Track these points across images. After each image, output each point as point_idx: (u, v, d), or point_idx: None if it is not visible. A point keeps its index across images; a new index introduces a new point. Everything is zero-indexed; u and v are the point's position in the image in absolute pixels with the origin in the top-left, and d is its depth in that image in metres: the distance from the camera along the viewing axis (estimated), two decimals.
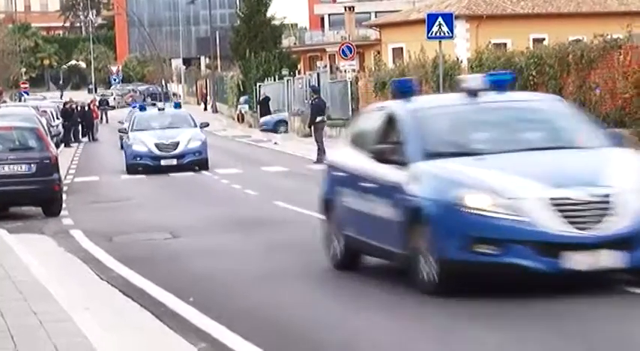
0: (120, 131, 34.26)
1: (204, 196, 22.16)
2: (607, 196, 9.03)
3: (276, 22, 70.14)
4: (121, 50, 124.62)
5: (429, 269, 9.30)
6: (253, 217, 17.22)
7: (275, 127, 49.08)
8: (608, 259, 8.94)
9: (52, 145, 21.50)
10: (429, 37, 26.58)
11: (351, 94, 40.64)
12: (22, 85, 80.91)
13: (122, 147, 35.48)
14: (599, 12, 52.69)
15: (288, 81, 53.74)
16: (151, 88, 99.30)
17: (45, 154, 19.14)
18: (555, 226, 8.88)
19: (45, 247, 14.89)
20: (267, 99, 53.96)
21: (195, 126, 30.27)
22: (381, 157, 10.20)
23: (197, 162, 28.56)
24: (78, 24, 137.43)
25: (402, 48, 54.57)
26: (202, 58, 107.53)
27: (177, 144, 28.43)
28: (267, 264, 12.44)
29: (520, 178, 9.18)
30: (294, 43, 75.83)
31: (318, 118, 30.58)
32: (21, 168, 18.86)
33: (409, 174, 9.75)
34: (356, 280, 10.79)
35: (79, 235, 15.98)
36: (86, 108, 52.63)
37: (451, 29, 26.43)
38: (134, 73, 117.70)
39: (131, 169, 28.72)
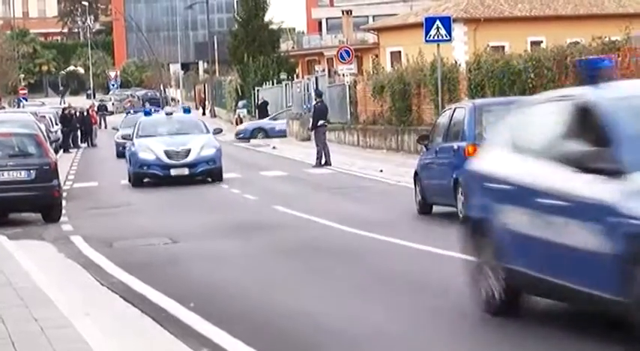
0: (123, 138, 30.25)
1: (203, 201, 22.16)
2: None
3: (274, 27, 70.20)
4: (119, 55, 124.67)
5: None
6: (253, 221, 17.23)
7: (251, 136, 48.81)
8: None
9: (52, 151, 21.51)
10: (427, 41, 26.63)
11: (350, 98, 40.66)
12: (20, 91, 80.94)
13: (120, 155, 34.76)
14: (597, 14, 52.72)
15: (286, 85, 53.76)
16: (149, 94, 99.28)
17: (44, 160, 19.15)
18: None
19: (45, 253, 14.89)
20: (265, 103, 53.99)
21: (208, 132, 27.58)
22: (580, 165, 7.45)
23: (210, 171, 25.98)
24: (76, 30, 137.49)
25: (400, 51, 54.60)
26: (200, 62, 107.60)
27: (188, 151, 25.79)
28: (267, 268, 12.45)
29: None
30: (292, 47, 75.88)
31: (320, 122, 30.62)
32: (20, 174, 18.86)
33: (627, 188, 7.12)
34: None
35: (79, 240, 15.98)
36: (85, 114, 52.66)
37: (449, 32, 26.48)
38: (132, 79, 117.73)
39: (136, 179, 26.06)
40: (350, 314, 9.31)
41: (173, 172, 25.58)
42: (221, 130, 31.33)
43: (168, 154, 25.67)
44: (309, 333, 8.68)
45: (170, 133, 26.83)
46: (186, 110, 31.63)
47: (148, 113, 30.48)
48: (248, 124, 52.32)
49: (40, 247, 15.67)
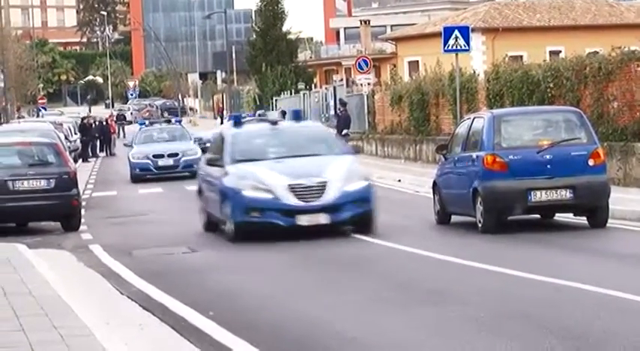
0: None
1: None
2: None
3: (292, 37, 70.36)
4: (137, 65, 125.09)
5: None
6: (271, 231, 17.21)
7: None
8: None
9: (71, 160, 21.59)
10: (445, 50, 26.60)
11: (368, 108, 40.66)
12: (39, 101, 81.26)
13: (137, 179, 32.22)
14: (616, 24, 52.65)
15: (304, 95, 53.83)
16: (167, 103, 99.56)
17: (63, 170, 19.22)
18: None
19: (65, 262, 14.93)
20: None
21: (345, 152, 17.15)
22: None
23: (361, 217, 16.12)
24: (95, 39, 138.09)
25: (417, 61, 54.62)
26: (219, 72, 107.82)
27: (324, 185, 15.81)
28: (286, 277, 12.45)
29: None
30: (310, 57, 76.01)
31: (344, 131, 30.63)
32: (40, 183, 18.93)
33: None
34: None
35: (98, 249, 16.03)
36: (104, 123, 52.84)
37: (467, 42, 26.44)
38: (151, 88, 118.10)
39: (242, 232, 15.91)
40: (369, 323, 9.30)
41: (303, 220, 15.74)
42: (358, 151, 19.70)
43: (294, 190, 15.76)
44: (328, 342, 8.67)
45: (285, 155, 16.72)
46: (297, 114, 19.31)
47: (237, 121, 18.13)
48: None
49: (59, 256, 15.71)
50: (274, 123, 18.27)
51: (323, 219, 15.66)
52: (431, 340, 8.52)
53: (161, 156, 33.00)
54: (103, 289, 12.10)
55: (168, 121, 39.63)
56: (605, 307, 9.55)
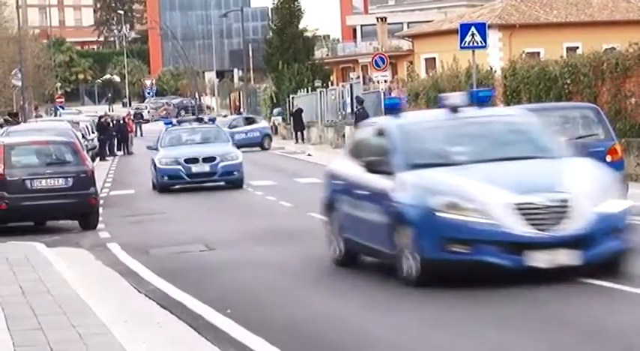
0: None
1: (239, 209, 22.21)
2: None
3: (309, 34, 70.38)
4: (154, 64, 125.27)
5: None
6: (288, 228, 17.24)
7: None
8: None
9: (88, 158, 21.64)
10: (461, 47, 26.54)
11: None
12: (57, 100, 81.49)
13: (164, 189, 25.25)
14: (634, 20, 52.43)
15: (320, 92, 53.82)
16: (184, 101, 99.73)
17: (81, 168, 19.27)
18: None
19: (83, 260, 14.98)
20: (300, 111, 54.06)
21: (570, 156, 11.52)
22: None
23: (618, 258, 10.64)
24: (112, 38, 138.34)
25: (434, 58, 54.52)
26: (235, 70, 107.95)
27: (565, 206, 10.32)
28: (303, 275, 12.45)
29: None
30: (327, 55, 75.96)
31: None
32: (58, 182, 18.98)
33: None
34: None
35: (116, 248, 16.07)
36: (121, 121, 52.95)
37: (484, 39, 26.38)
38: (168, 87, 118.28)
39: (431, 273, 10.55)
40: (387, 322, 9.29)
41: (539, 259, 10.26)
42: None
43: (523, 212, 10.26)
44: (347, 340, 8.67)
45: (483, 158, 11.15)
46: (481, 97, 12.29)
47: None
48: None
49: (77, 254, 15.76)
50: (454, 110, 11.75)
51: (568, 258, 10.15)
52: (454, 339, 8.49)
53: (195, 161, 27.46)
54: (121, 288, 12.13)
55: (200, 120, 32.62)
56: (630, 304, 9.49)
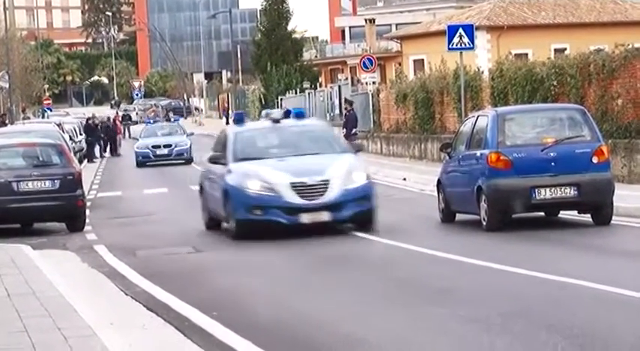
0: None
1: None
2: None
3: (297, 36, 70.33)
4: (142, 65, 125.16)
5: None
6: (277, 231, 17.21)
7: None
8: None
9: (76, 160, 21.59)
10: (449, 49, 26.59)
11: (373, 107, 40.64)
12: (45, 102, 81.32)
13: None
14: (621, 21, 52.57)
15: (309, 94, 53.82)
16: (172, 103, 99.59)
17: (68, 170, 19.23)
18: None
19: (69, 262, 14.94)
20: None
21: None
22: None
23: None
24: (100, 40, 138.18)
25: (423, 59, 54.54)
26: (224, 72, 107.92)
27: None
28: (291, 278, 12.45)
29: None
30: (315, 56, 75.97)
31: (353, 130, 30.70)
32: (44, 184, 18.94)
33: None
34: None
35: (103, 250, 16.03)
36: (110, 123, 52.80)
37: (472, 40, 26.43)
38: (156, 88, 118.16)
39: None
40: (375, 323, 9.29)
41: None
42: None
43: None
44: (333, 342, 8.67)
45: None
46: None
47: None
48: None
49: (64, 256, 15.73)
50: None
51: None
52: (435, 339, 8.51)
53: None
54: (107, 290, 12.10)
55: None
56: (610, 304, 9.53)
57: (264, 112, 19.91)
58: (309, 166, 16.10)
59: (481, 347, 8.09)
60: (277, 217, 15.65)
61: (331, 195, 15.69)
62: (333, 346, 8.52)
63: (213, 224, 17.57)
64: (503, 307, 9.62)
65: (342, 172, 15.96)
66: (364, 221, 16.04)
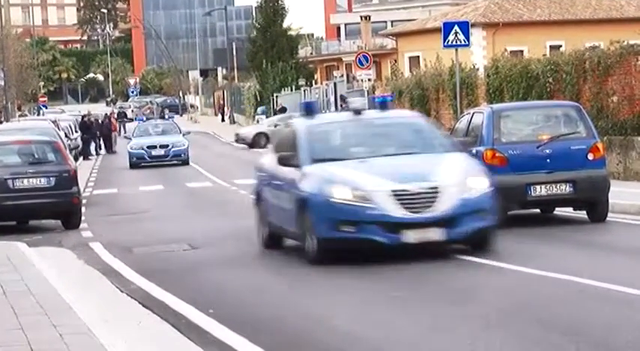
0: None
1: (223, 207, 22.17)
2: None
3: (293, 33, 70.38)
4: (138, 63, 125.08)
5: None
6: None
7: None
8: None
9: (71, 158, 21.60)
10: (445, 46, 26.57)
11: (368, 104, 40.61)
12: (40, 99, 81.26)
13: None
14: (616, 18, 52.60)
15: (305, 91, 53.80)
16: (168, 100, 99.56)
17: (64, 168, 19.23)
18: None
19: (65, 259, 14.94)
20: (284, 109, 54.05)
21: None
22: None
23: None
24: (95, 37, 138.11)
25: (418, 57, 54.57)
26: (219, 69, 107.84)
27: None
28: (288, 275, 12.44)
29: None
30: (311, 53, 75.95)
31: None
32: (40, 181, 18.94)
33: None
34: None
35: (99, 247, 16.03)
36: (105, 120, 52.79)
37: (467, 37, 26.41)
38: (152, 86, 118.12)
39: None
40: (373, 321, 9.29)
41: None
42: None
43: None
44: (330, 339, 8.67)
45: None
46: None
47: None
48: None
49: (59, 253, 15.72)
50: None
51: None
52: (433, 336, 8.51)
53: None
54: (103, 287, 12.10)
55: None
56: (606, 301, 9.54)
57: (259, 109, 19.64)
58: (410, 168, 12.44)
59: (478, 345, 8.08)
60: (374, 236, 12.06)
61: (443, 206, 12.08)
62: (330, 343, 8.52)
63: (273, 243, 14.06)
64: (500, 305, 9.62)
65: (455, 176, 12.35)
66: (482, 240, 12.62)
